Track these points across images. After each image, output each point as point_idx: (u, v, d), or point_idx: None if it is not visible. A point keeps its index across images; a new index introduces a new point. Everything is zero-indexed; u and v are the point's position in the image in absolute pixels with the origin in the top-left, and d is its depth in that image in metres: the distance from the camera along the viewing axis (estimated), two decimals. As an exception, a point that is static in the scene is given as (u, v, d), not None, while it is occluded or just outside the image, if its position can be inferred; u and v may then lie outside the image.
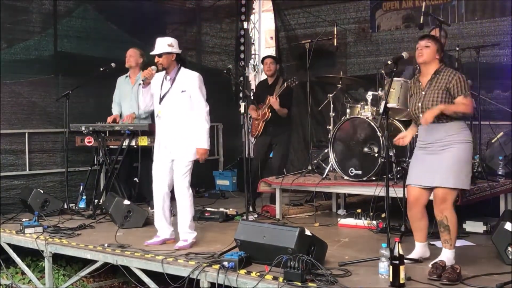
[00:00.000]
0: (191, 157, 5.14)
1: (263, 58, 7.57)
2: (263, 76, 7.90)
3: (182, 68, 5.21)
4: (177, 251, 4.97)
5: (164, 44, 5.14)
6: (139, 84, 5.25)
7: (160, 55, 5.11)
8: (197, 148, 5.11)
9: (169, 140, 5.15)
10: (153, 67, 5.18)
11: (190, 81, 5.13)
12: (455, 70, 4.53)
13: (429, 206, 4.55)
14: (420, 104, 4.42)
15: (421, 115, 4.39)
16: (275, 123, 7.09)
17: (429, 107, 4.35)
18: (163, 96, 5.16)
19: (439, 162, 4.32)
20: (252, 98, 7.47)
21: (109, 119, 6.98)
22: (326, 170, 6.42)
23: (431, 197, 4.47)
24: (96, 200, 6.89)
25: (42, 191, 6.66)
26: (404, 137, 4.64)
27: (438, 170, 4.31)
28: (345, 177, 6.13)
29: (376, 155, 5.85)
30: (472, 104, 4.36)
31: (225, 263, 4.27)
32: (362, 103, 6.26)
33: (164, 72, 5.20)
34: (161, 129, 5.21)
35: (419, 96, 4.45)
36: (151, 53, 5.17)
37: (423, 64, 4.46)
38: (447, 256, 4.30)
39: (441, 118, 4.33)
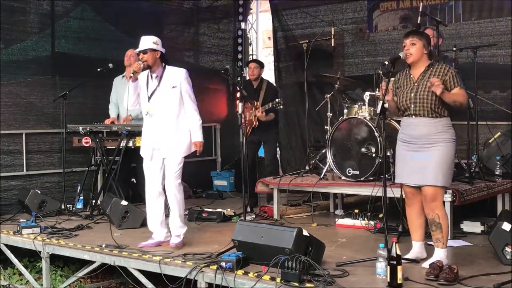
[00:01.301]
0: (182, 153, 5.15)
1: (248, 62, 7.67)
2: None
3: (168, 66, 5.21)
4: (175, 251, 4.96)
5: (149, 41, 5.14)
6: (130, 77, 5.22)
7: (145, 52, 5.10)
8: (194, 142, 5.17)
9: (160, 137, 5.14)
10: (140, 62, 5.14)
11: (179, 76, 5.15)
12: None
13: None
14: (413, 95, 4.42)
15: (412, 106, 4.40)
16: (262, 128, 7.14)
17: (424, 97, 4.36)
18: (151, 94, 5.15)
19: (427, 160, 4.33)
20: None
21: (107, 122, 6.97)
22: (324, 170, 6.42)
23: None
24: (93, 201, 6.89)
25: (39, 192, 6.66)
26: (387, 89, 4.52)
27: (428, 168, 4.33)
28: (343, 177, 6.14)
29: (374, 155, 5.86)
30: (466, 96, 4.43)
31: (223, 264, 4.27)
32: (359, 104, 6.27)
33: (147, 71, 5.18)
34: (151, 126, 5.19)
35: (410, 87, 4.45)
36: (136, 50, 5.18)
37: (413, 63, 4.48)
38: (440, 256, 4.31)
39: (434, 111, 4.35)
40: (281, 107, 6.99)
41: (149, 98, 5.15)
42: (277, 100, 6.93)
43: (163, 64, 5.20)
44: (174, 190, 5.15)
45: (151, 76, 5.18)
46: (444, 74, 4.37)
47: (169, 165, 5.14)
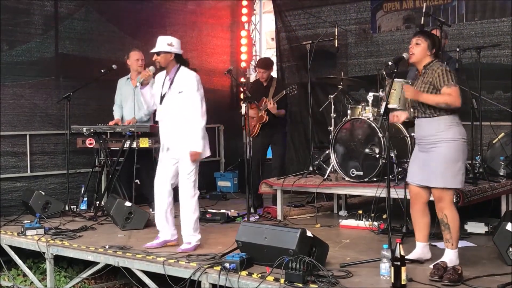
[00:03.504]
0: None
1: (255, 66, 7.64)
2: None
3: (182, 68, 5.15)
4: (179, 252, 4.96)
5: (164, 43, 5.10)
6: (136, 86, 5.23)
7: (158, 53, 5.09)
8: (189, 151, 5.03)
9: (171, 140, 5.12)
10: (151, 68, 5.13)
11: (187, 82, 5.08)
12: (445, 64, 4.51)
13: (432, 206, 4.55)
14: (410, 100, 4.46)
15: (411, 110, 4.44)
16: (271, 124, 7.13)
17: (415, 101, 4.38)
18: (163, 96, 5.14)
19: (428, 162, 4.36)
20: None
21: (111, 124, 6.98)
22: (327, 171, 6.42)
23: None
24: (97, 202, 6.90)
25: (43, 193, 6.67)
26: (399, 115, 4.59)
27: (428, 170, 4.35)
28: (346, 178, 6.14)
29: (377, 156, 5.86)
30: (457, 94, 4.26)
31: (227, 265, 4.28)
32: (363, 104, 6.26)
33: (164, 72, 5.18)
34: (162, 129, 5.19)
35: None
36: (151, 51, 5.15)
37: (416, 63, 4.48)
38: (449, 257, 4.30)
39: (427, 111, 4.35)
40: (295, 92, 6.97)
41: (161, 100, 5.14)
42: (290, 86, 6.93)
43: (178, 66, 5.15)
44: (186, 194, 5.07)
45: (166, 78, 5.16)
46: (432, 75, 4.34)
47: (181, 167, 5.09)
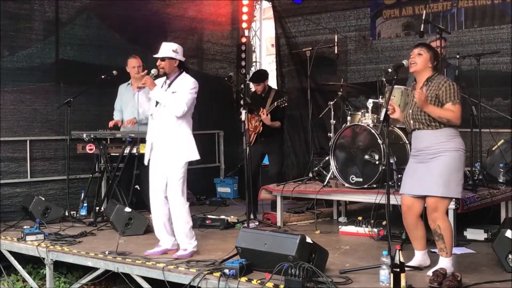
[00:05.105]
0: (184, 160, 5.07)
1: (249, 80, 7.71)
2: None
3: (183, 74, 5.18)
4: (176, 258, 4.96)
5: (169, 49, 5.12)
6: (137, 89, 5.25)
7: (163, 59, 5.10)
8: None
9: (160, 143, 5.11)
10: (153, 70, 5.11)
11: (183, 83, 5.11)
12: (449, 78, 4.54)
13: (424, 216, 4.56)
14: (410, 111, 4.43)
15: (412, 121, 4.41)
16: (266, 134, 7.15)
17: (417, 112, 4.37)
18: None
19: (428, 171, 4.32)
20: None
21: (111, 123, 6.99)
22: (327, 178, 6.43)
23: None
24: (97, 208, 6.90)
25: (43, 199, 6.67)
26: (394, 109, 4.52)
27: (428, 179, 4.31)
28: (346, 185, 6.14)
29: (377, 162, 5.86)
30: (459, 113, 4.32)
31: (226, 271, 4.28)
32: (362, 111, 6.28)
33: (165, 77, 5.19)
34: (153, 129, 5.16)
35: (411, 103, 4.46)
36: (154, 55, 5.16)
37: (416, 73, 4.48)
38: (444, 264, 4.30)
39: (432, 123, 4.34)
40: (286, 104, 6.97)
41: (157, 102, 5.14)
42: (282, 98, 6.93)
43: (181, 71, 5.18)
44: (176, 200, 5.06)
45: (165, 82, 5.18)
46: (438, 89, 4.33)
47: (170, 172, 5.07)
